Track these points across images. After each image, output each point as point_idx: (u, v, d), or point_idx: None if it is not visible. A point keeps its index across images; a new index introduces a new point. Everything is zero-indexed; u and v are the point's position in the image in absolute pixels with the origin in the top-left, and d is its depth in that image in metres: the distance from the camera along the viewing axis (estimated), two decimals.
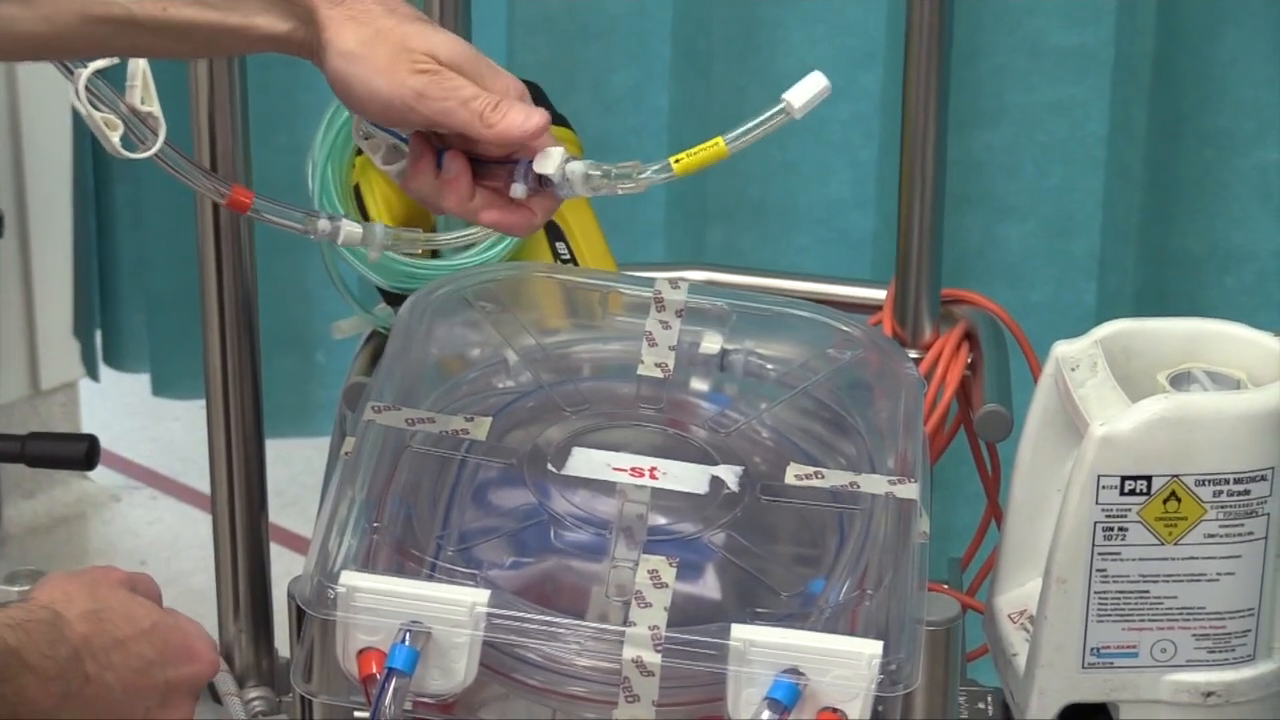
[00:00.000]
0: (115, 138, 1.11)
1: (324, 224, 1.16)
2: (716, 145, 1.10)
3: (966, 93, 1.85)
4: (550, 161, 1.11)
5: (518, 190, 1.11)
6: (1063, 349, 1.31)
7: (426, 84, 1.08)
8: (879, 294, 1.59)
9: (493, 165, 1.12)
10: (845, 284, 1.64)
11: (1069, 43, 1.85)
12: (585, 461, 1.19)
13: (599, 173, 1.11)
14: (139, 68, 1.13)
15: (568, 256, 1.52)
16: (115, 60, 1.12)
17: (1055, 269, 1.90)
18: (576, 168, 1.11)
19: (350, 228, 1.16)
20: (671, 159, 1.11)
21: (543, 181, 1.12)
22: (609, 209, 1.57)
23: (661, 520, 1.16)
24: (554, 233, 1.52)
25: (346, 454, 1.18)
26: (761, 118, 1.11)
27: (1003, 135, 1.89)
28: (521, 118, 1.09)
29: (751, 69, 1.91)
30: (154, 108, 1.13)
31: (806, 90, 1.12)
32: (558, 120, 1.57)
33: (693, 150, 1.11)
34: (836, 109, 1.92)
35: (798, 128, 1.93)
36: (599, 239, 1.54)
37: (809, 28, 1.90)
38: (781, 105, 1.12)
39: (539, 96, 1.58)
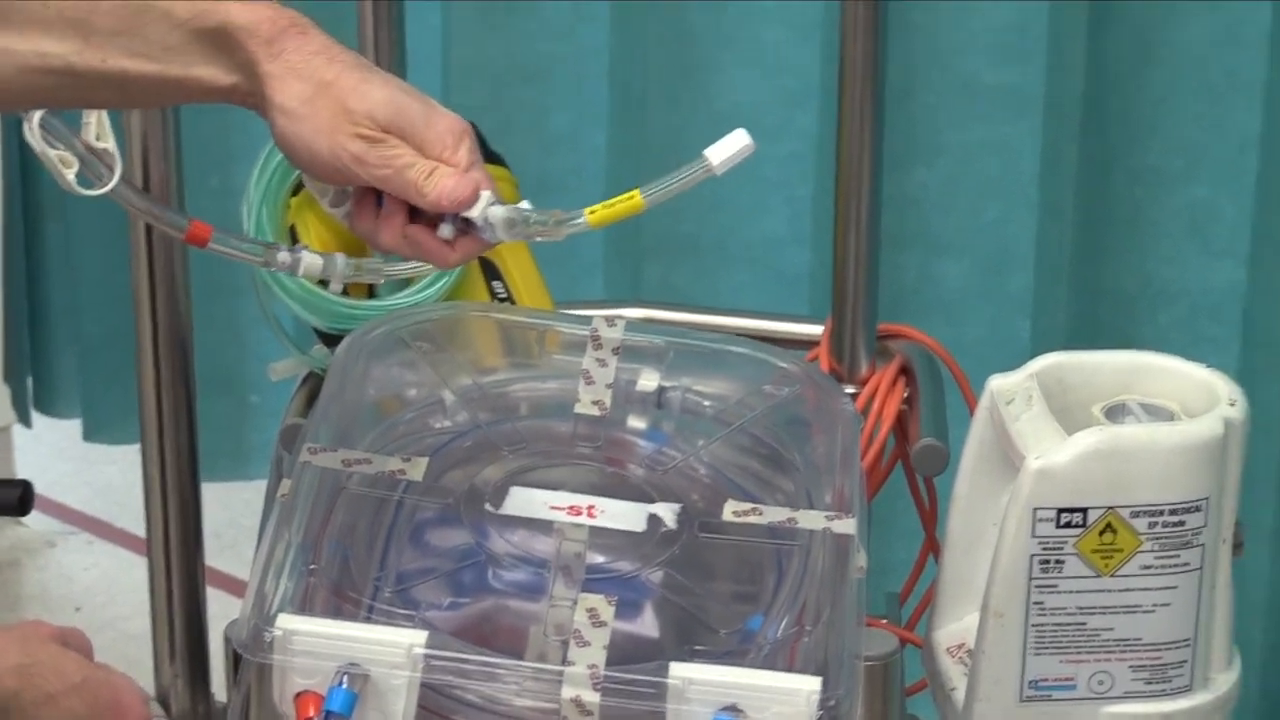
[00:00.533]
0: (70, 174, 1.11)
1: (284, 256, 1.16)
2: (633, 199, 1.11)
3: (901, 131, 1.86)
4: (475, 205, 1.12)
5: (445, 230, 1.13)
6: (998, 382, 1.32)
7: (365, 150, 1.10)
8: (816, 330, 1.60)
9: None
10: (782, 320, 1.65)
11: (1001, 81, 1.87)
12: (523, 501, 1.19)
13: (520, 219, 1.12)
14: None
15: (504, 295, 1.52)
16: None
17: (990, 305, 1.91)
18: (497, 212, 1.12)
19: (311, 259, 1.16)
20: (587, 210, 1.12)
21: (468, 223, 1.13)
22: (544, 246, 1.57)
23: (600, 559, 1.16)
24: (490, 271, 1.52)
25: (283, 496, 1.18)
26: (681, 173, 1.12)
27: (938, 173, 1.90)
28: (451, 185, 1.11)
29: (688, 109, 1.92)
30: (109, 144, 1.13)
31: (728, 147, 1.12)
32: (493, 159, 1.57)
33: (609, 202, 1.12)
34: (774, 148, 1.93)
35: (734, 165, 1.96)
36: (535, 277, 1.54)
37: (745, 69, 1.91)
38: (703, 162, 1.12)
39: (476, 136, 1.58)
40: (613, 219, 1.11)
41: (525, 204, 1.13)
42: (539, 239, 1.13)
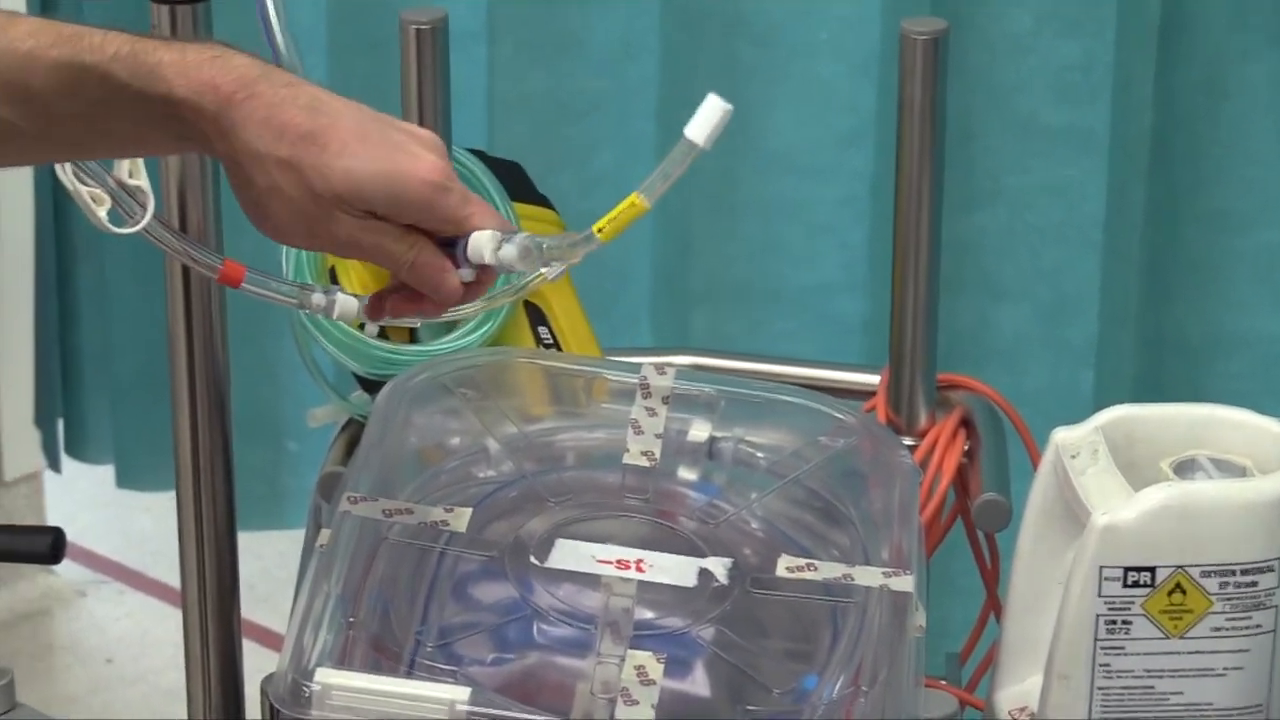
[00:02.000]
0: (103, 212, 1.11)
1: (318, 297, 1.15)
2: (633, 203, 1.11)
3: (959, 174, 1.86)
4: (483, 250, 1.12)
5: (465, 274, 1.13)
6: (1063, 435, 1.31)
7: (355, 231, 1.08)
8: (872, 379, 1.59)
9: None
10: (837, 369, 1.64)
11: (1063, 122, 1.86)
12: (569, 554, 1.18)
13: (534, 249, 1.12)
14: None
15: (550, 341, 1.51)
16: None
17: (1051, 354, 1.90)
18: (510, 252, 1.12)
19: (346, 300, 1.16)
20: (594, 227, 1.12)
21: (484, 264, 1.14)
22: (591, 291, 1.57)
23: (648, 614, 1.16)
24: (536, 316, 1.52)
25: (321, 546, 1.17)
26: (670, 160, 1.11)
27: (997, 217, 1.89)
28: (436, 282, 1.10)
29: (738, 150, 1.92)
30: (142, 181, 1.13)
31: (707, 119, 1.10)
32: (539, 201, 1.57)
33: (612, 214, 1.12)
34: (827, 191, 1.93)
35: (785, 208, 1.97)
36: (582, 322, 1.54)
37: (796, 107, 1.91)
38: (688, 144, 1.10)
39: (519, 176, 1.58)
40: (621, 228, 1.11)
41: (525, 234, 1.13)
42: (555, 264, 1.13)
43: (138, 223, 1.11)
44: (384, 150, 1.08)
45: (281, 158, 1.06)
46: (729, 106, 1.10)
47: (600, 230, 1.11)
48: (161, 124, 1.07)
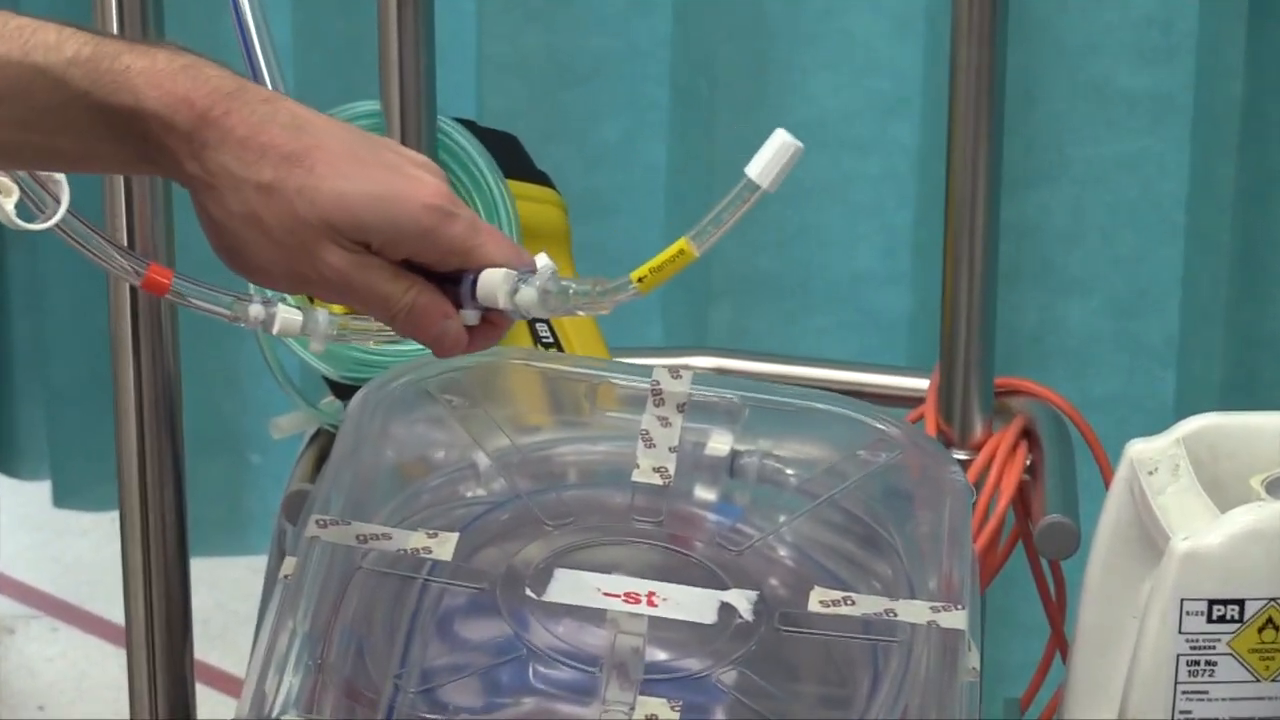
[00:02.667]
0: (9, 205, 1.12)
1: (256, 309, 1.15)
2: (681, 252, 1.10)
3: (1020, 146, 1.87)
4: (496, 293, 1.11)
5: (469, 317, 1.12)
6: (1138, 449, 1.32)
7: (344, 266, 1.08)
8: (919, 384, 1.60)
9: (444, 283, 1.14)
10: (879, 372, 1.65)
11: (1141, 86, 1.87)
12: (570, 585, 1.19)
13: (556, 294, 1.12)
14: None
15: (550, 340, 1.52)
16: None
17: (1127, 355, 1.91)
18: (528, 296, 1.11)
19: (287, 314, 1.15)
20: (633, 275, 1.11)
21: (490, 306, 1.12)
22: None
23: (661, 655, 1.16)
24: None
25: (286, 577, 1.18)
26: (729, 202, 1.11)
27: (1063, 196, 1.90)
28: (437, 332, 1.10)
29: (763, 118, 1.92)
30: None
31: (774, 158, 1.11)
32: (536, 178, 1.58)
33: (655, 263, 1.11)
34: (865, 165, 1.94)
35: (817, 186, 1.97)
36: (588, 319, 1.55)
37: (831, 70, 1.91)
38: (749, 184, 1.11)
39: (514, 149, 1.59)
40: (665, 278, 1.11)
41: (545, 263, 1.12)
42: (581, 314, 1.13)
43: (49, 218, 1.11)
44: (378, 172, 1.08)
45: (263, 182, 1.06)
46: (799, 145, 1.10)
47: (640, 280, 1.11)
48: (119, 140, 1.07)
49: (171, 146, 1.06)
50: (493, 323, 1.13)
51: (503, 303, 1.11)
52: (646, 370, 1.30)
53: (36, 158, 1.08)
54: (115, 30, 1.37)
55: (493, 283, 1.11)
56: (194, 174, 1.07)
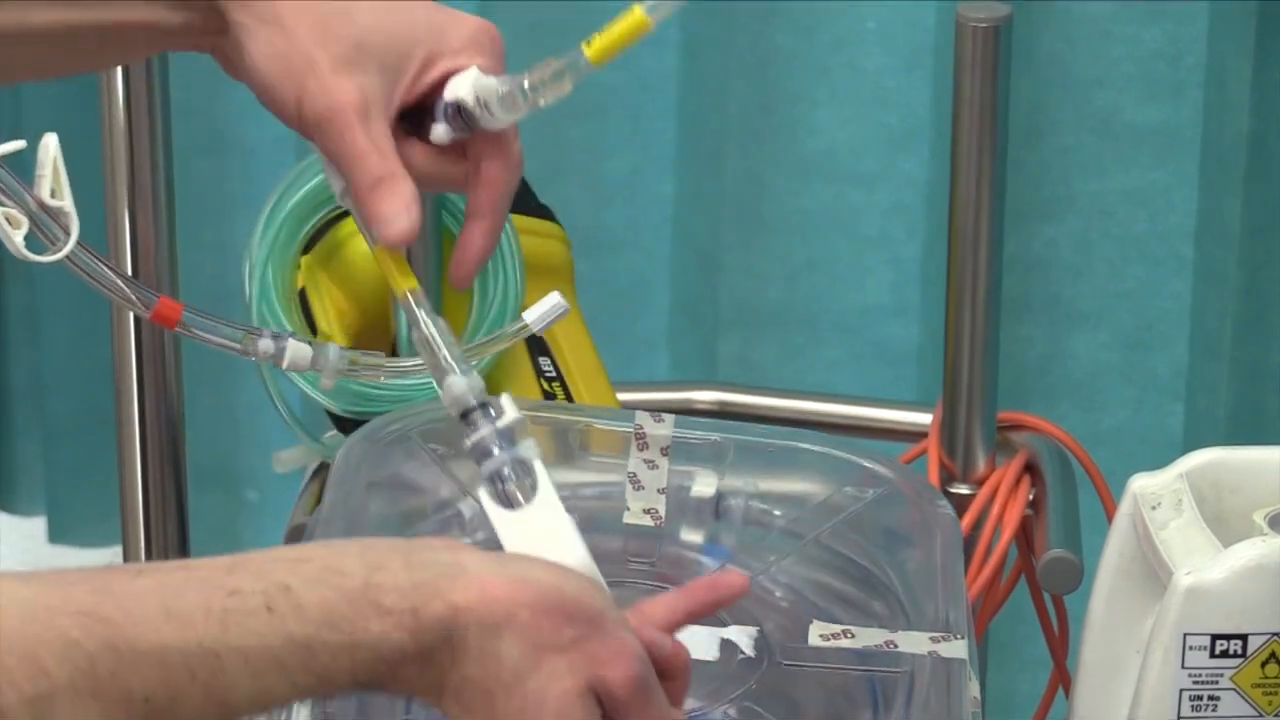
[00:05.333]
0: (19, 237, 1.11)
1: (266, 344, 1.14)
2: (634, 18, 1.06)
3: (1028, 179, 1.87)
4: (462, 84, 1.08)
5: (438, 132, 1.09)
6: (1141, 484, 1.32)
7: (322, 113, 1.07)
8: (923, 418, 1.61)
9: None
10: (884, 406, 1.66)
11: (1149, 120, 1.87)
12: None
13: (516, 88, 1.08)
14: (49, 155, 1.14)
15: (553, 374, 1.53)
16: (19, 145, 1.14)
17: (1134, 389, 1.91)
18: (489, 86, 1.08)
19: (298, 349, 1.15)
20: (583, 44, 1.07)
21: (463, 114, 1.09)
22: (601, 316, 1.59)
23: None
24: (538, 347, 1.54)
25: None
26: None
27: (1070, 229, 1.90)
28: (389, 213, 1.07)
29: (772, 153, 1.93)
30: (65, 202, 1.13)
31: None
32: (540, 212, 1.59)
33: (606, 29, 1.07)
34: (873, 198, 1.94)
35: (826, 219, 1.97)
36: (590, 352, 1.56)
37: (840, 103, 1.92)
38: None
39: (519, 186, 1.60)
40: (617, 48, 1.07)
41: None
42: (545, 102, 1.09)
43: (59, 250, 1.12)
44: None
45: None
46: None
47: (589, 45, 1.07)
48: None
49: None
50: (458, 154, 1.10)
51: (465, 90, 1.08)
52: (630, 415, 1.30)
53: (80, 40, 1.09)
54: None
55: (461, 81, 1.08)
56: (239, 21, 1.07)
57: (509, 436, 1.04)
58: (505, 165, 1.11)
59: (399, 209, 1.07)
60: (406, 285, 1.08)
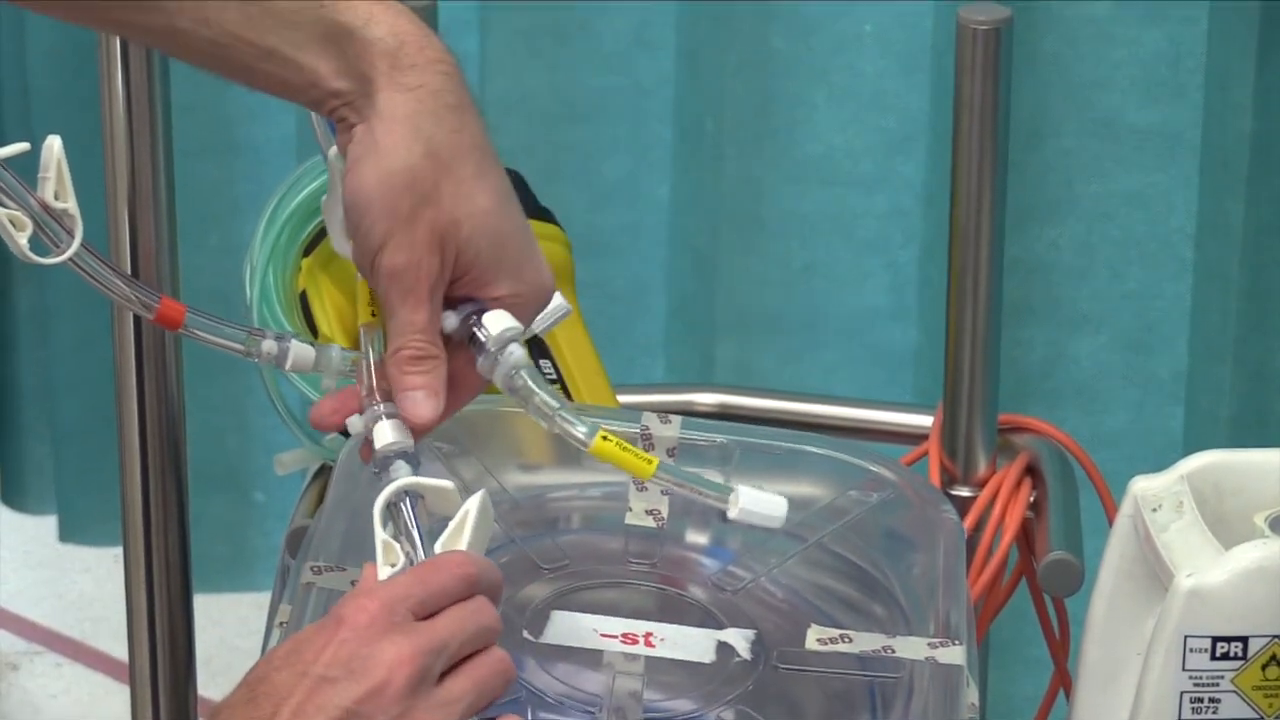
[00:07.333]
0: (23, 239, 1.12)
1: (269, 345, 1.15)
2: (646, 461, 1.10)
3: (1029, 181, 1.87)
4: (498, 323, 1.11)
5: (449, 321, 1.13)
6: (1142, 486, 1.32)
7: (402, 268, 1.10)
8: (924, 421, 1.61)
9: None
10: (884, 409, 1.66)
11: (1150, 122, 1.88)
12: (567, 627, 1.19)
13: (518, 386, 1.12)
14: (53, 157, 1.14)
15: (554, 376, 1.53)
16: (23, 148, 1.14)
17: (1135, 391, 1.91)
18: (516, 352, 1.12)
19: (300, 350, 1.16)
20: (598, 436, 1.10)
21: (473, 341, 1.13)
22: (599, 319, 1.58)
23: (659, 696, 1.17)
24: (538, 349, 1.54)
25: (282, 624, 1.19)
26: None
27: (1072, 231, 1.90)
28: (416, 398, 1.11)
29: (770, 156, 1.93)
30: (69, 204, 1.13)
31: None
32: (541, 215, 1.59)
33: (621, 444, 1.10)
34: (872, 202, 1.94)
35: (824, 223, 1.98)
36: (591, 356, 1.56)
37: (838, 106, 1.92)
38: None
39: (519, 187, 1.60)
40: (617, 463, 1.10)
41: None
42: (521, 406, 1.12)
43: (63, 252, 1.12)
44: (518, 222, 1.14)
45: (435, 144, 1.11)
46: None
47: (591, 444, 1.10)
48: (329, 52, 1.10)
49: (372, 60, 1.10)
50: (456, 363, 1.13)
51: (489, 339, 1.11)
52: (636, 416, 1.30)
53: (242, 60, 1.11)
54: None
55: (498, 318, 1.11)
56: (386, 96, 1.10)
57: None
58: (480, 384, 1.15)
59: (433, 391, 1.11)
60: (362, 319, 1.13)
